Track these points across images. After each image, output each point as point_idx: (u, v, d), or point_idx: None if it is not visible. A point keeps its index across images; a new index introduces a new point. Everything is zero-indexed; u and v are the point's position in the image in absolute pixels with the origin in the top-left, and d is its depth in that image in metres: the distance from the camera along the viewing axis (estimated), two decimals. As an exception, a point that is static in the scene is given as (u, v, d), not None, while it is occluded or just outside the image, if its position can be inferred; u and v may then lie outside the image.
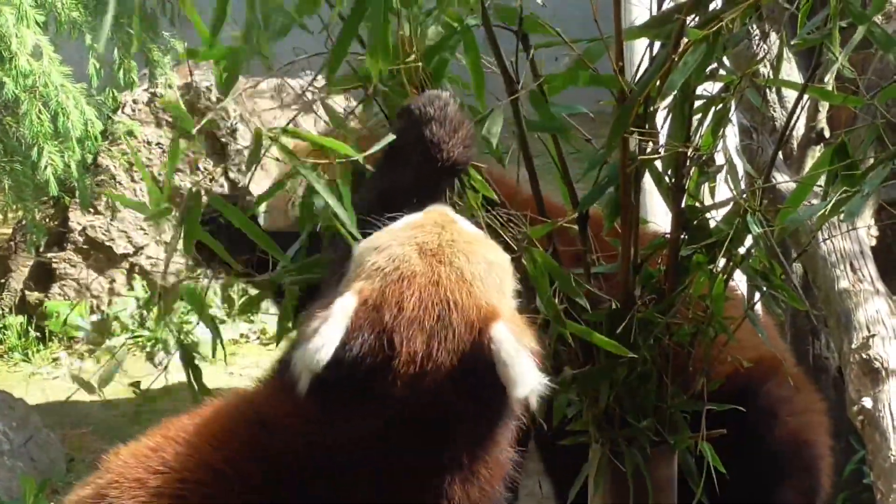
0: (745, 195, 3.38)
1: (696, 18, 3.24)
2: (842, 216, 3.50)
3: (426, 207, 3.20)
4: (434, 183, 3.31)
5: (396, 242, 3.09)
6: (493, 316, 2.96)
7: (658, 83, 3.25)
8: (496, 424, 3.04)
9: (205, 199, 3.27)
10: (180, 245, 3.33)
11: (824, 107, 5.89)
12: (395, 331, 2.98)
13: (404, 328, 2.98)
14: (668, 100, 3.39)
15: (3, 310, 9.76)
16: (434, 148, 3.25)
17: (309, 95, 3.47)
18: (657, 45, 3.39)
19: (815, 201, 3.75)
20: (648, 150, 3.37)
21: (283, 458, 3.04)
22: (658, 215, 3.87)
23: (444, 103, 3.27)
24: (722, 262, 3.45)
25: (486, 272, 3.06)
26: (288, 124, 3.20)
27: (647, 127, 3.34)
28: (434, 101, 3.27)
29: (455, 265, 3.04)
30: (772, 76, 3.75)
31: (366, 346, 2.97)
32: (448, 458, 3.01)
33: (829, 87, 3.52)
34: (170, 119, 9.77)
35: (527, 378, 2.90)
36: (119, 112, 9.72)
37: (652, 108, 3.32)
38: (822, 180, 3.70)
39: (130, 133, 9.66)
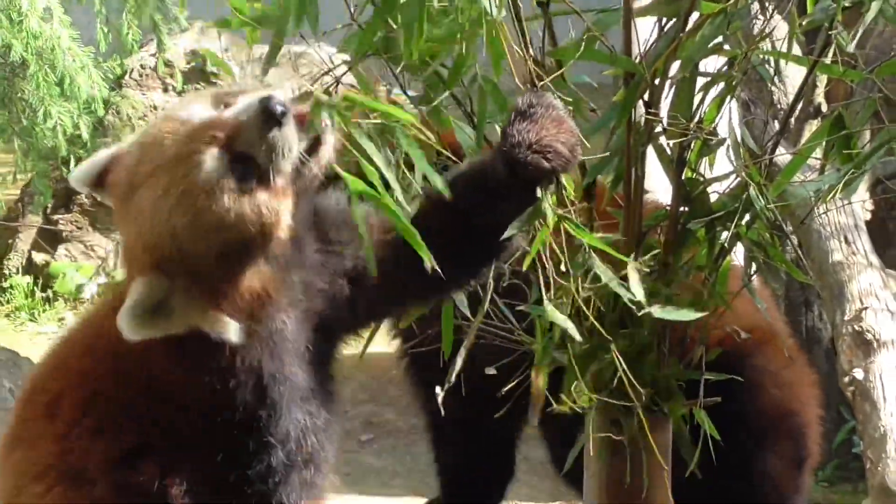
0: (747, 169, 3.37)
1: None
2: (840, 193, 3.51)
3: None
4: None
5: None
6: None
7: (665, 59, 3.24)
8: None
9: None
10: None
11: (822, 81, 5.87)
12: None
13: None
14: (672, 73, 3.37)
15: (10, 270, 9.75)
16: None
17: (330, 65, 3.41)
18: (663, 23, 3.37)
19: (809, 174, 3.74)
20: (652, 123, 3.36)
21: None
22: (659, 186, 3.85)
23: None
24: (724, 235, 3.44)
25: None
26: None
27: (652, 101, 3.33)
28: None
29: None
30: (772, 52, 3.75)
31: None
32: None
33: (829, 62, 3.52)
34: (174, 84, 9.74)
35: None
36: (126, 77, 9.69)
37: (657, 83, 3.30)
38: (818, 153, 3.70)
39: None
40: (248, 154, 3.11)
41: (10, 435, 3.45)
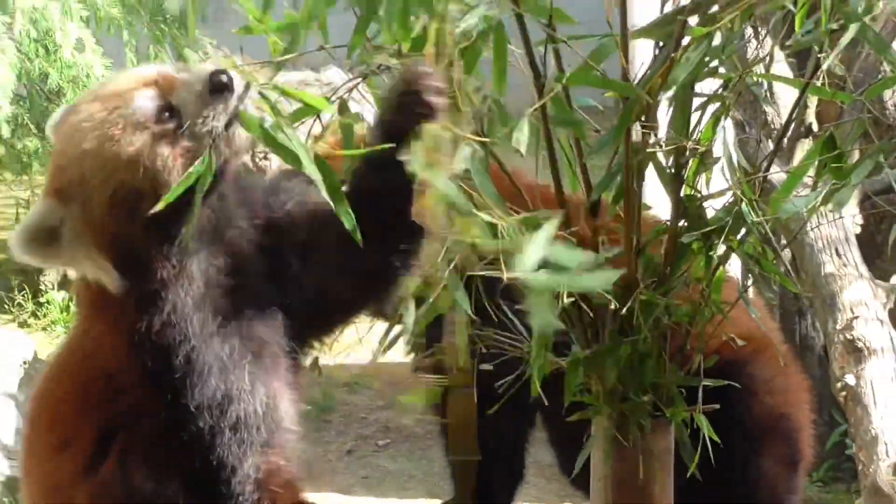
0: (741, 186, 3.38)
1: (697, 20, 3.23)
2: (830, 206, 3.51)
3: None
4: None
5: None
6: None
7: (659, 80, 3.24)
8: None
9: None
10: None
11: (813, 102, 5.88)
12: None
13: None
14: (670, 93, 3.37)
15: (46, 286, 9.78)
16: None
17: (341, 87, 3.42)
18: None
19: (803, 191, 3.75)
20: (651, 142, 3.36)
21: None
22: (658, 202, 3.85)
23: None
24: (721, 248, 3.44)
25: None
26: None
27: (648, 121, 3.32)
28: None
29: None
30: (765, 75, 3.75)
31: None
32: None
33: (819, 84, 3.53)
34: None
35: None
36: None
37: (653, 102, 3.30)
38: (811, 171, 3.70)
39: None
40: (176, 108, 3.18)
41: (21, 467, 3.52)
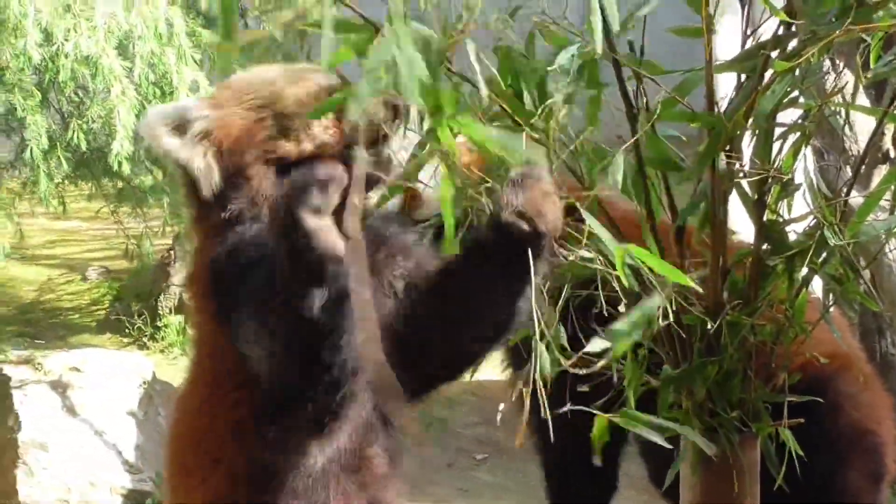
0: (821, 210, 3.36)
1: (778, 53, 3.22)
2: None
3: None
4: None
5: None
6: None
7: (743, 113, 3.24)
8: None
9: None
10: None
11: (889, 130, 5.82)
12: None
13: None
14: (750, 122, 3.37)
15: (163, 311, 9.91)
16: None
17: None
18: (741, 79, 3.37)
19: (881, 214, 3.72)
20: (734, 170, 3.36)
21: None
22: (742, 227, 3.84)
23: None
24: (803, 270, 3.42)
25: None
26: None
27: (733, 150, 3.32)
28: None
29: None
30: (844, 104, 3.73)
31: None
32: None
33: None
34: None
35: None
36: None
37: (738, 133, 3.30)
38: (889, 195, 3.67)
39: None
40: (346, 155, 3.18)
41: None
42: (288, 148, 3.24)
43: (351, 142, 3.19)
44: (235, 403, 3.23)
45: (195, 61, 7.89)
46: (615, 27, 3.10)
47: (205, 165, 3.24)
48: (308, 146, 3.24)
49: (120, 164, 7.57)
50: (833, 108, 3.50)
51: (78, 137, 8.03)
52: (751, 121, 3.32)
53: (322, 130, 3.25)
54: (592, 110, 3.19)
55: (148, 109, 3.29)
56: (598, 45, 3.06)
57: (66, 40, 7.52)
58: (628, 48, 3.34)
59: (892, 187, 3.49)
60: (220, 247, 3.23)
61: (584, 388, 3.72)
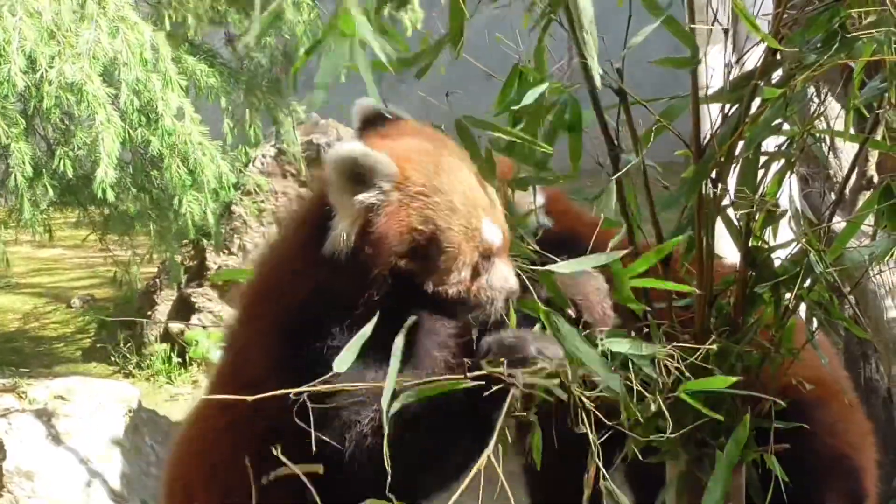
0: (807, 237, 3.37)
1: (764, 83, 3.24)
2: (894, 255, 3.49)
3: None
4: None
5: None
6: None
7: (730, 142, 3.26)
8: None
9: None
10: None
11: (873, 156, 5.83)
12: None
13: None
14: (737, 151, 3.38)
15: (149, 338, 9.90)
16: None
17: None
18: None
19: (864, 240, 3.73)
20: (719, 196, 3.37)
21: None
22: (728, 252, 3.85)
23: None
24: (787, 295, 3.43)
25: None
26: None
27: (719, 178, 3.33)
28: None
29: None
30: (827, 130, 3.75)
31: None
32: None
33: (879, 138, 3.53)
34: (294, 172, 9.85)
35: None
36: (250, 165, 9.84)
37: (722, 160, 3.31)
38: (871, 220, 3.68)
39: (259, 187, 9.77)
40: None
41: None
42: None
43: None
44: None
45: (181, 87, 7.89)
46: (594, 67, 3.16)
47: (347, 221, 3.26)
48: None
49: (104, 191, 7.54)
50: (817, 135, 3.51)
51: (64, 165, 8.00)
52: (738, 149, 3.34)
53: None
54: (574, 155, 3.25)
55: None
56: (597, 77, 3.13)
57: (51, 67, 7.50)
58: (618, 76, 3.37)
59: (873, 213, 3.50)
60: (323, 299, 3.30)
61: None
